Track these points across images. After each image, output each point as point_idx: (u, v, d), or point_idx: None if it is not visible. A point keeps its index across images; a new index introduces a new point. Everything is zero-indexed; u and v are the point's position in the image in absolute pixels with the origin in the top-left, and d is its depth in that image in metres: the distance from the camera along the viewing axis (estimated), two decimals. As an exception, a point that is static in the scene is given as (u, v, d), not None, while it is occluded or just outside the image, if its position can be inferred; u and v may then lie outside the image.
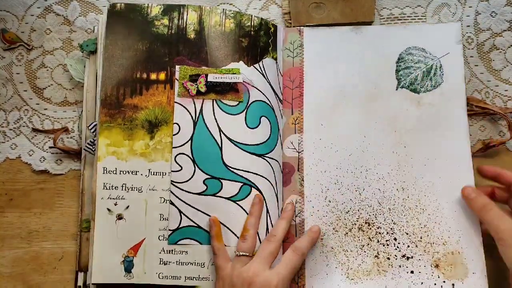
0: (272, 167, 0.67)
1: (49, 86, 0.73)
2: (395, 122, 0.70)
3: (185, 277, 0.64)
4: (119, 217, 0.64)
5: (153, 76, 0.66)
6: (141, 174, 0.65)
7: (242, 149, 0.66)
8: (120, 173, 0.65)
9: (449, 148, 0.68)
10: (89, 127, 0.67)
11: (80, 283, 0.67)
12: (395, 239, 0.67)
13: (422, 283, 0.65)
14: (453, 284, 0.65)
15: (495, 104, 0.73)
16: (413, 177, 0.68)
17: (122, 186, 0.65)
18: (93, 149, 0.67)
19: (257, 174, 0.66)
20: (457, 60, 0.70)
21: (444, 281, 0.65)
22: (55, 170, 0.71)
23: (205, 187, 0.65)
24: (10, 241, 0.70)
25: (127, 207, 0.65)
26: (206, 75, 0.66)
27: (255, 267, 0.59)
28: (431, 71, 0.70)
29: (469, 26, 0.74)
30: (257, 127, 0.67)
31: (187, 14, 0.68)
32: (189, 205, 0.64)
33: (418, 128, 0.69)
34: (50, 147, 0.71)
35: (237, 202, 0.65)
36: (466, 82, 0.72)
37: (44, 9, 0.74)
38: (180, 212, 0.64)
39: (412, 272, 0.66)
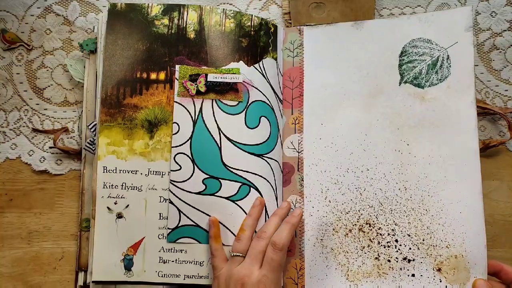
0: (271, 167, 0.67)
1: (49, 86, 0.73)
2: (397, 119, 0.67)
3: (184, 275, 0.64)
4: (119, 216, 0.65)
5: (153, 76, 0.66)
6: (141, 173, 0.65)
7: (241, 149, 0.66)
8: (120, 172, 0.65)
9: (456, 145, 0.65)
10: (89, 127, 0.67)
11: (80, 282, 0.67)
12: (396, 240, 0.66)
13: (423, 287, 0.64)
14: None
15: (495, 104, 0.73)
16: (416, 176, 0.66)
17: (122, 185, 0.65)
18: (93, 149, 0.67)
19: (256, 174, 0.66)
20: (467, 49, 0.66)
21: (446, 286, 0.64)
22: (55, 170, 0.71)
23: (204, 187, 0.65)
24: (10, 241, 0.70)
25: (127, 206, 0.65)
26: (206, 75, 0.66)
27: (246, 268, 0.59)
28: (437, 63, 0.67)
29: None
30: (256, 127, 0.67)
31: (187, 14, 0.68)
32: (188, 204, 0.65)
33: (422, 124, 0.67)
34: (50, 147, 0.72)
35: (236, 202, 0.65)
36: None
37: (44, 9, 0.74)
38: (179, 211, 0.64)
39: (413, 275, 0.65)
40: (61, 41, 0.74)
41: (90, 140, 0.68)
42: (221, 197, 0.65)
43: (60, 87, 0.73)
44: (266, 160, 0.66)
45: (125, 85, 0.66)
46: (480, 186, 0.64)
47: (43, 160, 0.71)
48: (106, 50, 0.67)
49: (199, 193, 0.64)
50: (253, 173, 0.65)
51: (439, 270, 0.64)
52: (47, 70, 0.73)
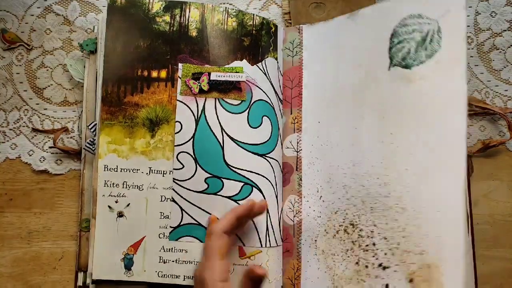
0: (272, 167, 0.67)
1: (49, 86, 0.73)
2: (383, 107, 0.60)
3: (184, 276, 0.64)
4: (120, 214, 0.64)
5: (154, 74, 0.66)
6: (142, 172, 0.65)
7: (244, 148, 0.65)
8: (121, 171, 0.65)
9: (441, 128, 0.55)
10: (89, 127, 0.67)
11: (80, 282, 0.67)
12: (374, 244, 0.59)
13: None
14: None
15: (495, 104, 0.73)
16: (396, 170, 0.58)
17: (123, 184, 0.65)
18: (93, 149, 0.67)
19: (258, 174, 0.66)
20: (459, 18, 0.55)
21: None
22: (55, 170, 0.71)
23: (207, 186, 0.64)
24: (10, 241, 0.70)
25: (128, 204, 0.64)
26: (209, 74, 0.66)
27: (202, 264, 0.60)
28: (427, 38, 0.58)
29: (469, 26, 0.74)
30: (259, 126, 0.66)
31: (189, 12, 0.68)
32: (191, 203, 0.64)
33: (407, 110, 0.58)
34: (50, 147, 0.71)
35: (238, 201, 0.65)
36: (466, 82, 0.58)
37: (44, 9, 0.74)
38: (182, 209, 0.64)
39: (387, 286, 0.56)
40: (61, 41, 0.74)
41: (90, 140, 0.67)
42: (223, 196, 0.64)
43: (60, 87, 0.73)
44: (267, 160, 0.66)
45: (126, 83, 0.66)
46: (464, 181, 0.52)
47: (43, 160, 0.71)
48: (106, 47, 0.67)
49: (201, 192, 0.64)
50: (255, 173, 0.65)
51: (411, 281, 0.54)
52: (47, 70, 0.73)
